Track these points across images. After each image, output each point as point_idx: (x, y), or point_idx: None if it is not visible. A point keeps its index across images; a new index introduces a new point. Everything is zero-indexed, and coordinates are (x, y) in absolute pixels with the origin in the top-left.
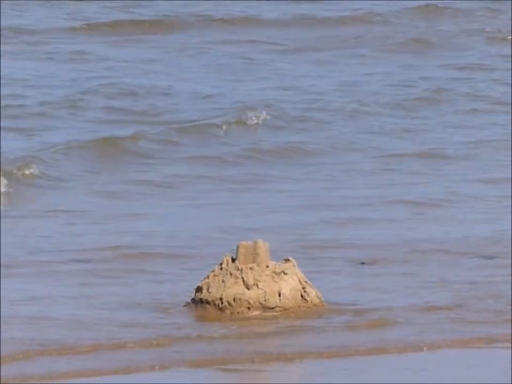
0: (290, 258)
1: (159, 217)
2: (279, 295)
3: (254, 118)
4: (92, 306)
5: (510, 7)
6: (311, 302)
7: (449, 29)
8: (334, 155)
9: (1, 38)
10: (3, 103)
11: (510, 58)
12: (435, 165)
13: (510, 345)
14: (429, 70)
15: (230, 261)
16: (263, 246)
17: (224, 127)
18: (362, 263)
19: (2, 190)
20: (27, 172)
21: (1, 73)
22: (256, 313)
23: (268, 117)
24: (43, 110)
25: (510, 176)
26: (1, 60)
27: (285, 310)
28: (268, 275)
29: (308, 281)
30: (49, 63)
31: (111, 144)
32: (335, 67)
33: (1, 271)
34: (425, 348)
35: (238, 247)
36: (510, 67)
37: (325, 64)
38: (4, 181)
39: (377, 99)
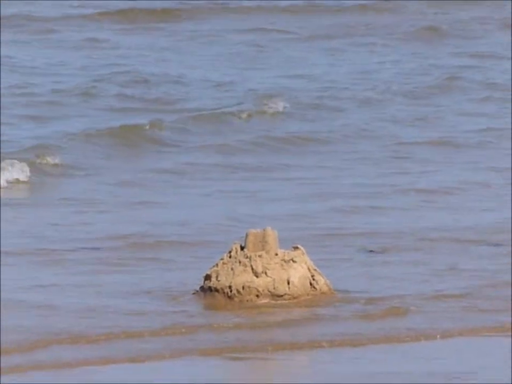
0: (299, 246)
1: (172, 205)
2: (288, 283)
3: (269, 107)
4: (100, 295)
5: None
6: (320, 290)
7: (460, 17)
8: (346, 143)
9: (13, 26)
10: (17, 91)
11: None
12: (447, 153)
13: None
14: (441, 58)
15: (239, 248)
16: (272, 234)
17: (240, 116)
18: (371, 251)
19: (21, 178)
20: (44, 161)
21: (14, 61)
22: (265, 301)
23: (287, 106)
24: (56, 98)
25: None
26: (13, 48)
27: (294, 298)
28: (276, 263)
29: (317, 269)
30: (60, 51)
31: (126, 132)
32: (347, 55)
33: (11, 259)
34: (438, 336)
35: (247, 235)
36: None
37: (337, 52)
38: (25, 168)
39: (389, 87)
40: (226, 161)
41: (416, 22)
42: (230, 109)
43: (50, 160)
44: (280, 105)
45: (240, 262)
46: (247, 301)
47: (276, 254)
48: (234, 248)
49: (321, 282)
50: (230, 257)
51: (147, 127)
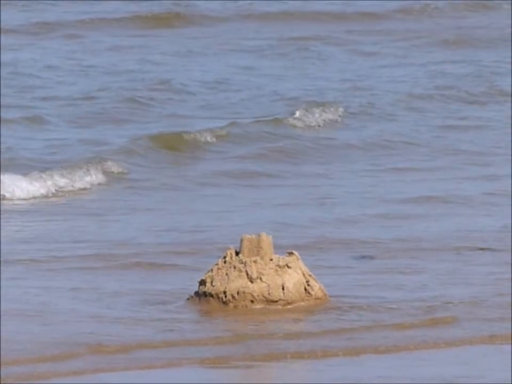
0: (293, 251)
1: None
2: (283, 288)
3: (320, 114)
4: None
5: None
6: (315, 295)
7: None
8: (397, 149)
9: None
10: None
11: None
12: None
13: None
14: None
15: (233, 254)
16: (267, 239)
17: (292, 123)
18: (363, 257)
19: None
20: (105, 168)
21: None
22: (259, 306)
23: (344, 112)
24: (104, 103)
25: None
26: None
27: (289, 303)
28: (271, 268)
29: (312, 274)
30: (98, 56)
31: (177, 139)
32: (390, 60)
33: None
34: (443, 345)
35: (241, 240)
36: None
37: (380, 57)
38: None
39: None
40: (285, 168)
41: (458, 27)
42: (282, 116)
43: (112, 167)
44: (332, 112)
45: (235, 267)
46: (242, 306)
47: (271, 260)
48: (229, 253)
49: (316, 288)
50: (224, 262)
51: (203, 133)
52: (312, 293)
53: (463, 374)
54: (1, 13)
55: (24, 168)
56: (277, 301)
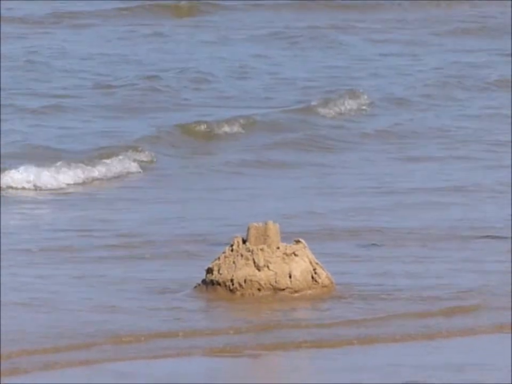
0: (300, 239)
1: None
2: (290, 276)
3: (349, 103)
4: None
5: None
6: (322, 283)
7: None
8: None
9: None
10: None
11: None
12: None
13: None
14: None
15: (240, 242)
16: (274, 228)
17: (324, 113)
18: (371, 245)
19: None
20: (136, 157)
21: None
22: (266, 294)
23: (369, 101)
24: (125, 92)
25: None
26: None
27: (296, 291)
28: (278, 256)
29: (319, 262)
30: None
31: (206, 128)
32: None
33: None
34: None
35: (248, 228)
36: None
37: (413, 45)
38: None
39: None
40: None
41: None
42: (305, 105)
43: (142, 156)
44: (361, 100)
45: (242, 256)
46: (249, 294)
47: (278, 248)
48: (236, 242)
49: (323, 276)
50: (231, 250)
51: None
52: (319, 281)
53: (475, 362)
54: (22, 4)
55: (50, 158)
56: (284, 289)
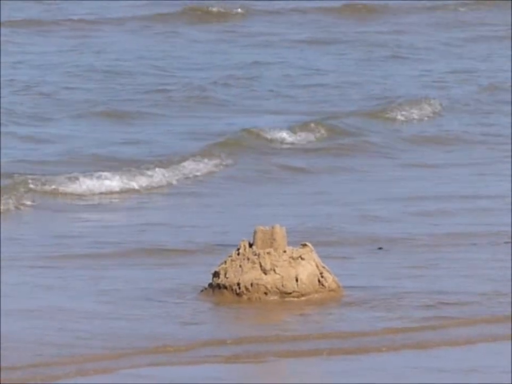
0: (307, 243)
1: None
2: (296, 280)
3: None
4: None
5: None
6: (329, 287)
7: None
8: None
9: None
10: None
11: None
12: None
13: None
14: None
15: (247, 246)
16: (280, 231)
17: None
18: (380, 248)
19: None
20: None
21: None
22: (273, 298)
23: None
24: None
25: None
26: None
27: (302, 295)
28: (285, 260)
29: (325, 266)
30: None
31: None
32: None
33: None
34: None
35: (255, 231)
36: None
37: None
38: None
39: None
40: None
41: None
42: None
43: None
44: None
45: (248, 259)
46: (256, 298)
47: (284, 251)
48: (242, 245)
49: (330, 279)
50: (238, 254)
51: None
52: (326, 284)
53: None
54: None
55: (115, 166)
56: (290, 293)
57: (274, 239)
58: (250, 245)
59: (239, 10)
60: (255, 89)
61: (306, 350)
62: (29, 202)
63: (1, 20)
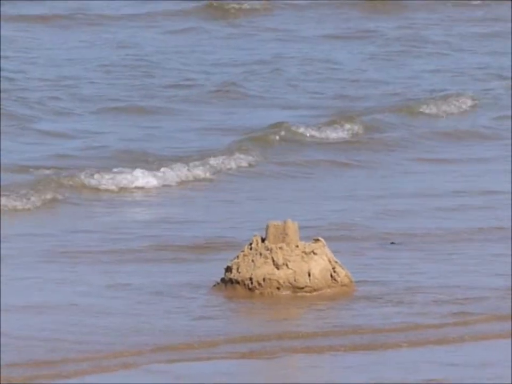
0: (320, 238)
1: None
2: (309, 275)
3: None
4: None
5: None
6: (341, 282)
7: None
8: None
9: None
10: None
11: None
12: None
13: None
14: None
15: (259, 240)
16: (293, 226)
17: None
18: (392, 243)
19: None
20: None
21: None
22: (285, 293)
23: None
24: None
25: None
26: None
27: (315, 290)
28: (297, 255)
29: (338, 261)
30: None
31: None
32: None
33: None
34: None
35: (267, 226)
36: None
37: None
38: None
39: None
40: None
41: None
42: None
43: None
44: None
45: (261, 254)
46: (268, 293)
47: (297, 246)
48: (255, 240)
49: (342, 274)
50: (250, 249)
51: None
52: (338, 279)
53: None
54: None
55: (141, 161)
56: (303, 288)
57: (286, 234)
58: (263, 240)
59: (261, 5)
60: (279, 84)
61: (322, 345)
62: (60, 196)
63: (20, 14)
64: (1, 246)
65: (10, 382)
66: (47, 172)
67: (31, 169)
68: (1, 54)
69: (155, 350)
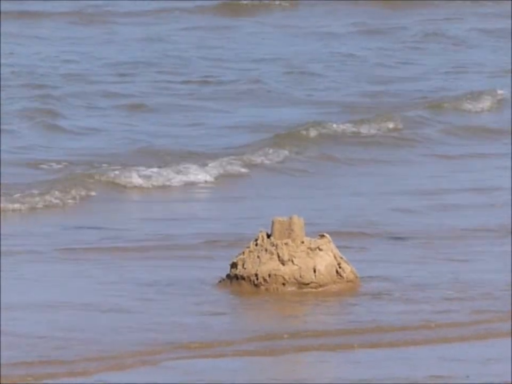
0: (325, 234)
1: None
2: (314, 271)
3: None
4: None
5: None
6: (347, 278)
7: None
8: None
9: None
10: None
11: None
12: None
13: None
14: None
15: (265, 236)
16: (298, 222)
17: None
18: (398, 239)
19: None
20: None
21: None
22: (291, 289)
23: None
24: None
25: None
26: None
27: (320, 286)
28: (303, 251)
29: (343, 257)
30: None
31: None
32: None
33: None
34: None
35: (273, 222)
36: None
37: None
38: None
39: None
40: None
41: None
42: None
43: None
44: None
45: (266, 250)
46: (273, 289)
47: (302, 242)
48: (260, 236)
49: (348, 270)
50: (256, 245)
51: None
52: (344, 275)
53: None
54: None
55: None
56: (308, 284)
57: (292, 230)
58: (268, 236)
59: (284, 2)
60: (307, 81)
61: (330, 343)
62: (93, 193)
63: (41, 11)
64: (28, 242)
65: (22, 382)
66: (80, 168)
67: (63, 164)
68: (34, 50)
69: (168, 347)
